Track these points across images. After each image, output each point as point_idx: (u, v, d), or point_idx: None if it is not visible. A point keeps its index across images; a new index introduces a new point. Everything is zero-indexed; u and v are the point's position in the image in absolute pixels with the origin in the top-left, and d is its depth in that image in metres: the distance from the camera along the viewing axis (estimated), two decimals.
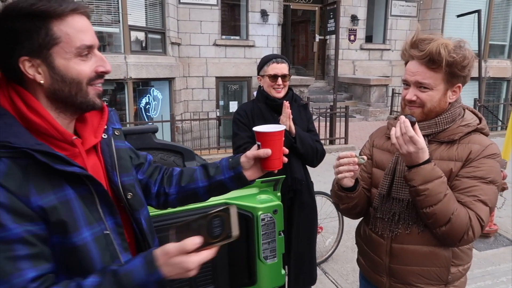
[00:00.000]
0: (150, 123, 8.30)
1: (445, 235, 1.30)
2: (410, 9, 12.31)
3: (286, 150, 1.21)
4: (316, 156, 2.36)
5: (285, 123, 2.19)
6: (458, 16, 8.01)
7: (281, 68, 2.30)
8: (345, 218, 3.49)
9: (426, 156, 1.28)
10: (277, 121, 2.29)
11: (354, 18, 11.79)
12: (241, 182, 1.21)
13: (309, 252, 2.45)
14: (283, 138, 1.19)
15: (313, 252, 2.51)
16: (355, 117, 10.65)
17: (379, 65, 12.37)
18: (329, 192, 3.46)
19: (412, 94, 1.37)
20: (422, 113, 1.39)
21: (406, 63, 1.44)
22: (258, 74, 2.41)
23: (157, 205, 1.27)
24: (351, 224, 3.99)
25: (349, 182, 1.42)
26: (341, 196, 1.50)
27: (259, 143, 1.17)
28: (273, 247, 1.60)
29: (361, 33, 12.09)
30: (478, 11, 7.68)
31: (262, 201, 1.61)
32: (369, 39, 12.49)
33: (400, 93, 8.25)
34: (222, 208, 0.89)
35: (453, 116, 1.40)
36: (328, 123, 7.94)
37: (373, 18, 12.50)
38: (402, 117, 1.29)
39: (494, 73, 11.95)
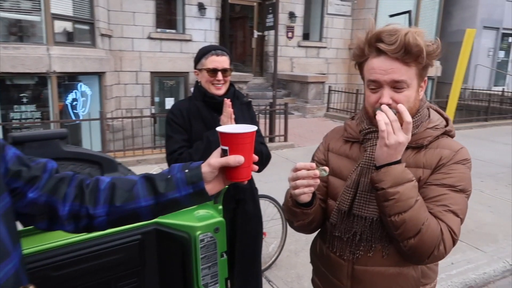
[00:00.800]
0: (74, 125, 7.62)
1: (413, 249, 1.13)
2: (345, 8, 12.63)
3: (256, 157, 0.98)
4: (262, 161, 2.15)
5: (226, 123, 1.96)
6: (391, 16, 8.29)
7: (222, 61, 2.05)
8: None
9: (400, 155, 1.12)
10: (217, 121, 2.04)
11: (292, 15, 11.84)
12: (201, 199, 0.97)
13: (254, 266, 2.23)
14: (254, 141, 0.97)
15: (259, 265, 2.31)
16: (293, 114, 10.70)
17: (316, 63, 12.57)
18: (271, 195, 3.31)
19: (388, 96, 1.16)
20: (399, 118, 1.19)
21: (359, 64, 1.24)
22: (195, 68, 2.12)
23: (76, 229, 0.95)
24: None
25: (306, 198, 1.20)
26: (296, 213, 1.28)
27: (225, 147, 0.93)
28: (214, 271, 1.37)
29: (298, 30, 12.19)
30: (409, 12, 8.00)
31: (201, 218, 1.36)
32: (306, 36, 12.64)
33: (337, 91, 8.34)
34: None
35: (422, 118, 1.25)
36: (267, 121, 7.83)
37: (310, 16, 12.67)
38: (385, 106, 1.11)
39: None
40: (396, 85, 1.16)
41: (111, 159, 1.31)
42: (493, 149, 7.74)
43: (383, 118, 1.10)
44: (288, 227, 3.41)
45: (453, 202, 1.15)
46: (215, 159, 0.95)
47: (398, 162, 1.12)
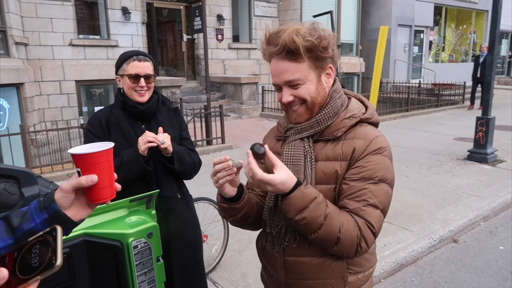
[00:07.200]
0: None
1: (339, 253, 1.20)
2: (271, 10, 12.94)
3: (115, 176, 0.95)
4: (194, 170, 2.12)
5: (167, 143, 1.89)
6: (314, 16, 8.66)
7: (144, 67, 1.95)
8: None
9: (291, 183, 1.13)
10: (138, 132, 1.97)
11: (220, 18, 11.88)
12: (62, 224, 0.85)
13: (197, 274, 2.17)
14: (112, 158, 0.93)
15: (202, 271, 2.24)
16: (229, 115, 10.74)
17: (247, 64, 12.73)
18: (210, 197, 3.30)
19: (288, 95, 1.22)
20: (307, 109, 1.25)
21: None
22: (116, 74, 2.01)
23: None
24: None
25: (231, 191, 1.24)
26: (225, 208, 1.31)
27: (78, 169, 0.90)
28: (151, 277, 1.34)
29: (228, 33, 12.26)
30: (330, 12, 8.40)
31: (133, 224, 1.32)
32: (236, 38, 12.76)
33: (270, 90, 8.55)
34: (45, 231, 0.71)
35: (335, 109, 1.27)
36: (203, 124, 7.79)
37: (238, 18, 12.81)
38: (249, 152, 1.13)
39: (346, 69, 13.38)
40: (291, 84, 1.21)
41: (28, 172, 1.23)
42: (415, 137, 8.38)
43: (247, 172, 1.13)
44: (230, 227, 3.42)
45: (371, 195, 1.17)
46: (67, 182, 0.89)
47: (296, 186, 1.13)
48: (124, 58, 1.98)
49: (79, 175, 0.89)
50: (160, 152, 1.94)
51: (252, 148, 1.15)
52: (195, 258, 2.17)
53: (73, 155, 0.89)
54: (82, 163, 0.88)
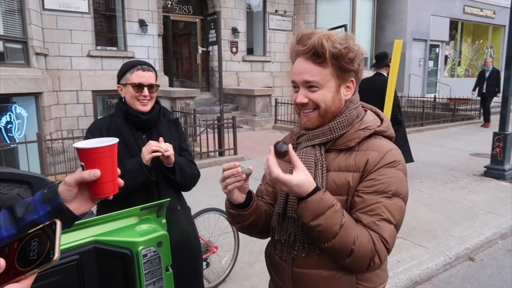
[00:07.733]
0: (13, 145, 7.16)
1: (351, 266, 1.16)
2: (285, 23, 13.05)
3: (119, 171, 0.95)
4: (193, 182, 2.11)
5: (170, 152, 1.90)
6: (329, 30, 8.70)
7: (148, 76, 1.96)
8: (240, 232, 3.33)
9: (309, 187, 1.10)
10: (139, 141, 1.98)
11: (235, 31, 12.03)
12: (64, 217, 0.88)
13: (196, 285, 2.13)
14: (116, 154, 0.94)
15: (201, 283, 2.20)
16: (242, 127, 10.77)
17: (261, 76, 12.81)
18: (221, 208, 3.29)
19: (303, 96, 1.22)
20: (319, 116, 1.24)
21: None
22: (118, 83, 2.00)
23: None
24: (247, 238, 3.85)
25: (239, 197, 1.24)
26: (233, 215, 1.31)
27: (82, 163, 0.90)
28: (160, 287, 1.33)
29: (242, 45, 12.39)
30: (344, 26, 8.43)
31: (143, 232, 1.32)
32: (250, 51, 12.87)
33: (283, 103, 8.56)
34: (45, 224, 0.71)
35: (349, 119, 1.26)
36: (216, 135, 7.82)
37: (252, 31, 12.94)
38: (271, 148, 1.13)
39: None
40: (309, 85, 1.22)
41: (42, 178, 1.24)
42: (430, 152, 8.26)
43: (266, 169, 1.13)
44: (241, 239, 3.40)
45: (385, 210, 1.15)
46: (70, 176, 0.90)
47: (314, 191, 1.11)
48: (128, 67, 1.98)
49: (83, 169, 0.89)
50: (161, 162, 1.94)
51: (275, 146, 1.13)
52: (195, 269, 2.15)
53: (77, 149, 0.90)
54: (86, 157, 0.89)
